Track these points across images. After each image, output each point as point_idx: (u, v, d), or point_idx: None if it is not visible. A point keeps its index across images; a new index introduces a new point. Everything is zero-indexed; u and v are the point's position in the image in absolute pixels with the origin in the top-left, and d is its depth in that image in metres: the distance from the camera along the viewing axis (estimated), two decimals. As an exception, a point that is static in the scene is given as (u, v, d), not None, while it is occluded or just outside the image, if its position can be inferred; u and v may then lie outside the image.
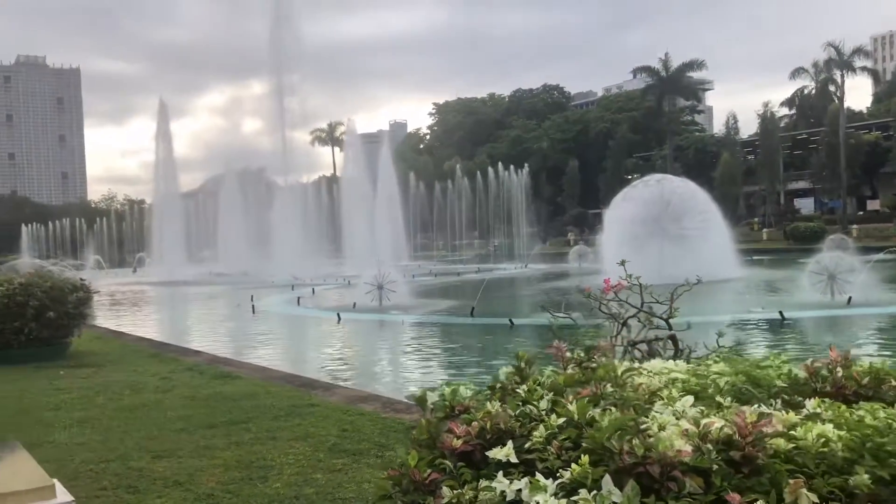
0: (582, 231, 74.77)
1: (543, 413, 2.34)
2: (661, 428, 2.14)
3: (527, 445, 2.20)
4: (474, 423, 2.33)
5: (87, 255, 77.55)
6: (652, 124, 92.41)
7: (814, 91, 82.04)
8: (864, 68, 75.27)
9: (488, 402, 2.54)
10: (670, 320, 5.23)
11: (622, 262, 5.58)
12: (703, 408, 2.27)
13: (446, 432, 2.27)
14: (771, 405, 2.48)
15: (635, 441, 1.97)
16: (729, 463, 1.92)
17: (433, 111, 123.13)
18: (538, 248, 60.05)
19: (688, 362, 3.16)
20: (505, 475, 2.10)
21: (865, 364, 2.78)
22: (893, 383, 2.64)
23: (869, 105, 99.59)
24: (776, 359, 2.88)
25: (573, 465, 1.94)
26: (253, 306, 24.28)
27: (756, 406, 2.30)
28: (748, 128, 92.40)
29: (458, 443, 2.21)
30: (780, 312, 16.12)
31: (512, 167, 68.35)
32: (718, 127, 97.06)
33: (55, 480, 2.63)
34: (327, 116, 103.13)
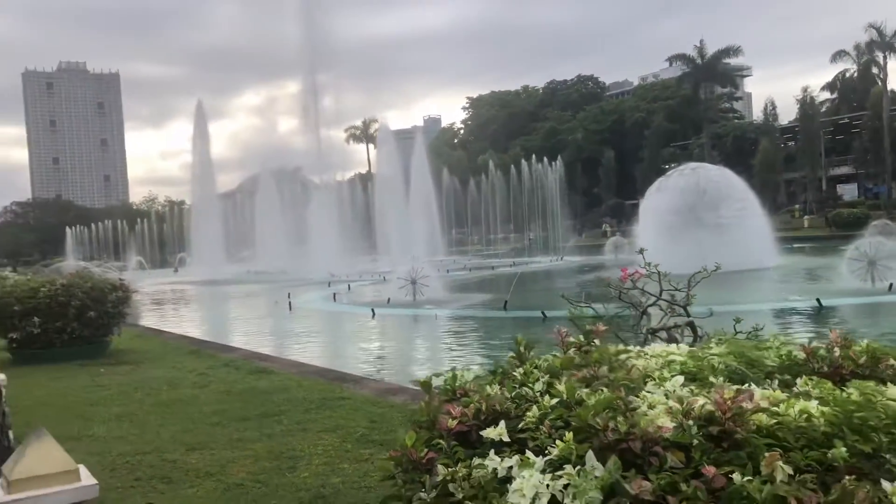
0: (619, 222, 74.22)
1: (538, 395, 2.42)
2: (651, 407, 2.21)
3: (520, 425, 2.28)
4: (471, 405, 2.42)
5: (129, 257, 79.16)
6: (688, 113, 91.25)
7: (856, 74, 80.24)
8: (907, 49, 73.46)
9: (488, 386, 2.63)
10: (688, 307, 5.24)
11: (641, 251, 5.62)
12: (692, 387, 2.32)
13: (443, 414, 2.36)
14: (767, 385, 2.54)
15: (619, 419, 2.04)
16: (710, 438, 1.98)
17: (467, 105, 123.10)
18: (573, 240, 59.83)
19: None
20: (498, 454, 2.18)
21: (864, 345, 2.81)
22: (890, 362, 2.67)
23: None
24: (776, 340, 2.93)
25: (558, 442, 2.02)
26: (290, 303, 24.60)
27: (746, 385, 2.35)
28: (790, 113, 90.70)
29: (453, 423, 2.31)
30: (818, 300, 15.90)
31: (545, 159, 68.07)
32: (758, 114, 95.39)
33: (80, 466, 2.77)
34: (362, 114, 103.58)
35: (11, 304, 12.63)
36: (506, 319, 18.15)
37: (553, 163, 67.56)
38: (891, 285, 18.05)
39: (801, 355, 2.75)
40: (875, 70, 75.40)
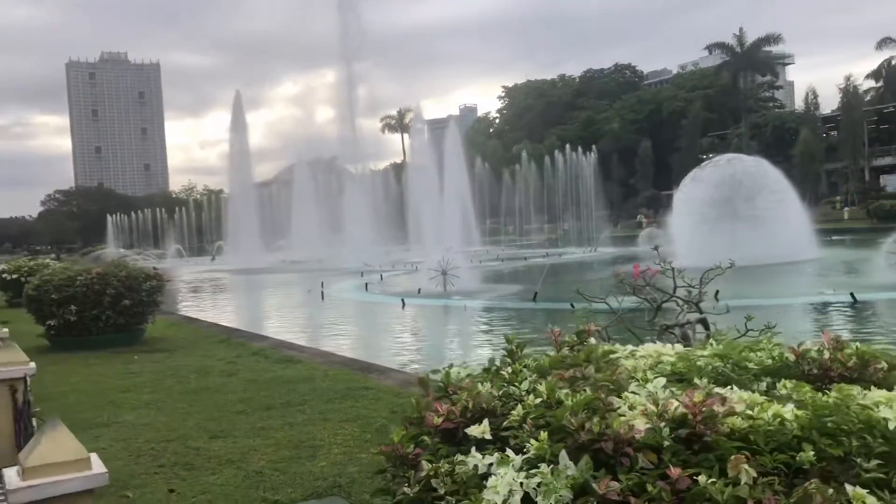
0: (655, 213, 73.48)
1: (524, 394, 2.48)
2: (632, 408, 2.26)
3: (504, 424, 2.35)
4: (459, 403, 2.49)
5: (168, 245, 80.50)
6: (727, 102, 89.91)
7: (901, 62, 78.40)
8: (955, 36, 71.51)
9: (479, 384, 2.70)
10: (700, 304, 5.24)
11: (656, 248, 5.63)
12: (674, 389, 2.37)
13: (430, 411, 2.44)
14: (755, 387, 2.58)
15: (594, 419, 2.10)
16: (681, 440, 2.03)
17: (502, 94, 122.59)
18: (607, 231, 59.43)
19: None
20: (483, 451, 2.26)
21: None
22: (879, 366, 2.69)
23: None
24: (768, 342, 2.95)
25: (533, 441, 2.08)
26: (322, 292, 24.86)
27: (729, 387, 2.40)
28: (834, 102, 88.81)
29: (438, 420, 2.38)
30: (852, 294, 15.66)
31: (580, 149, 67.60)
32: (801, 103, 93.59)
33: (92, 454, 2.90)
34: (398, 103, 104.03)
35: (49, 292, 12.99)
36: (535, 311, 18.17)
37: (587, 152, 67.09)
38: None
39: (792, 357, 2.78)
40: (922, 58, 73.53)
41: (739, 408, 2.17)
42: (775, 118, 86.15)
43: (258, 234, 60.95)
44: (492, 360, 2.91)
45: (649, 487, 1.87)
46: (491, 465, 2.16)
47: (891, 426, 2.03)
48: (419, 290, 22.92)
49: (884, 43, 76.06)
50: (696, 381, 2.51)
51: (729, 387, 2.39)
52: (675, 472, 1.87)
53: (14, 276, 22.62)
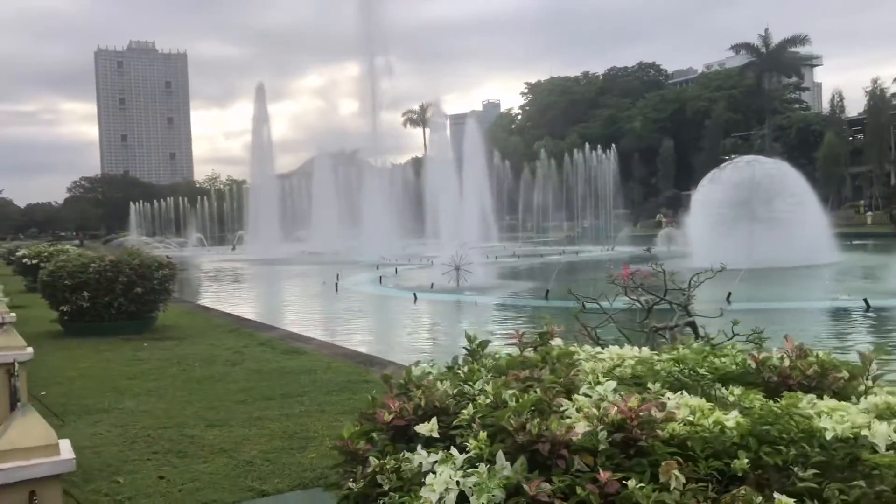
0: (676, 213, 73.04)
1: (477, 393, 2.51)
2: (579, 410, 2.29)
3: (454, 422, 2.38)
4: (413, 400, 2.53)
5: (189, 233, 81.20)
6: (752, 102, 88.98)
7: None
8: None
9: (439, 382, 2.74)
10: (689, 307, 5.24)
11: (648, 249, 5.62)
12: (623, 392, 2.39)
13: (381, 408, 2.47)
14: (714, 393, 2.59)
15: (535, 421, 2.12)
16: (618, 444, 2.05)
17: (525, 91, 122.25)
18: (627, 230, 59.14)
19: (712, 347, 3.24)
20: (431, 449, 2.29)
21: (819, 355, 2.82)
22: (839, 375, 2.69)
23: None
24: (732, 348, 2.96)
25: (472, 441, 2.11)
26: (336, 285, 24.98)
27: (680, 393, 2.41)
28: (862, 105, 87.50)
29: (389, 417, 2.42)
30: (865, 300, 15.49)
31: (599, 147, 67.28)
32: (828, 105, 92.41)
33: (63, 441, 2.96)
34: (422, 98, 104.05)
35: (63, 279, 13.18)
36: (546, 309, 18.13)
37: (607, 151, 66.77)
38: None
39: (754, 364, 2.78)
40: (952, 61, 72.30)
41: (683, 413, 2.18)
42: (800, 120, 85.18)
43: (278, 224, 61.41)
44: (455, 359, 2.94)
45: (579, 490, 1.89)
46: (435, 463, 2.19)
47: (828, 436, 2.04)
48: (432, 284, 22.96)
49: (914, 46, 74.89)
50: (650, 385, 2.52)
51: (680, 392, 2.40)
52: (604, 475, 1.89)
53: (34, 262, 22.96)
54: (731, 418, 2.13)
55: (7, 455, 2.76)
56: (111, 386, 8.76)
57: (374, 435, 2.39)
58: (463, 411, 2.39)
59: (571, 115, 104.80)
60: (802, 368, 2.68)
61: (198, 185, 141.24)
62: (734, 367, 2.82)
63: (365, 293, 23.97)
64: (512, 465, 2.03)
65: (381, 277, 27.53)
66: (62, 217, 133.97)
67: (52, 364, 10.56)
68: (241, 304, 22.31)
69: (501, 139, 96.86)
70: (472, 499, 1.98)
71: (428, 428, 2.33)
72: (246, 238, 68.91)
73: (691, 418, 2.14)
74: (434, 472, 2.13)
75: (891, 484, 1.88)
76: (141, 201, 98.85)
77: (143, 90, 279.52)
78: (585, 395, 2.40)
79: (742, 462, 1.97)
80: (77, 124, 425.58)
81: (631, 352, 2.96)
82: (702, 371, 2.58)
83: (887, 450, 2.07)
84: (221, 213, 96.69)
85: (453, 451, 2.18)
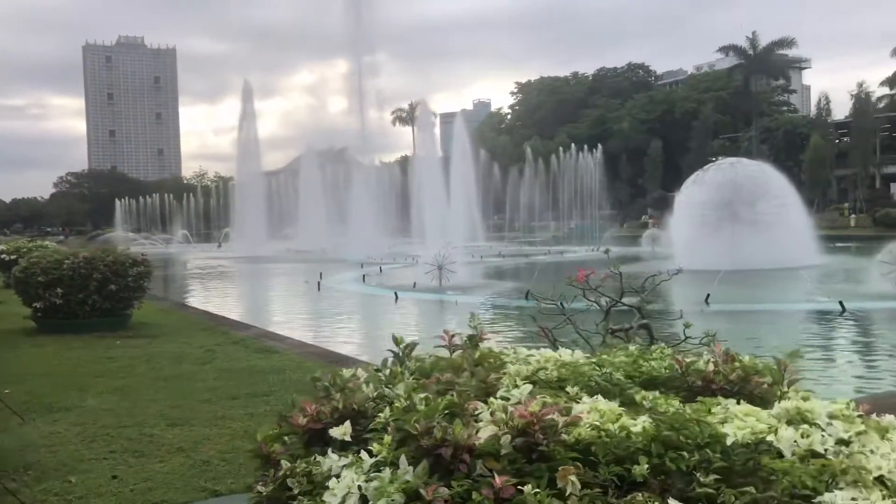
0: (663, 214, 73.28)
1: (397, 396, 2.50)
2: (493, 414, 2.28)
3: (370, 426, 2.37)
4: (333, 403, 2.51)
5: (175, 230, 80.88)
6: (739, 105, 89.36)
7: (917, 70, 77.70)
8: (971, 45, 70.81)
9: (364, 385, 2.72)
10: (642, 310, 5.25)
11: (607, 251, 5.63)
12: (544, 396, 2.38)
13: (297, 410, 2.46)
14: (638, 397, 2.59)
15: (441, 425, 2.11)
16: (520, 449, 2.05)
17: (515, 90, 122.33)
18: (612, 230, 59.31)
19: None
20: (344, 452, 2.28)
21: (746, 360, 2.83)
22: (761, 380, 2.70)
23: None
24: (660, 352, 2.96)
25: (375, 445, 2.11)
26: (319, 283, 24.93)
27: (594, 397, 2.41)
28: (848, 108, 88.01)
29: (303, 420, 2.41)
30: (840, 303, 15.58)
31: (586, 147, 67.42)
32: (816, 107, 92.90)
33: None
34: (412, 96, 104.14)
35: (36, 275, 13.08)
36: (526, 308, 18.14)
37: (593, 151, 66.91)
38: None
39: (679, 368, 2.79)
40: (938, 66, 72.91)
41: (592, 418, 2.18)
42: (787, 122, 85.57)
43: (265, 222, 61.21)
44: (384, 361, 2.93)
45: (475, 495, 1.89)
46: (343, 467, 2.18)
47: (728, 441, 2.04)
48: (414, 283, 22.96)
49: (899, 50, 75.41)
50: (569, 388, 2.52)
51: (595, 396, 2.40)
52: (499, 480, 1.89)
53: (12, 257, 22.78)
54: (638, 423, 2.13)
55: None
56: (78, 384, 8.69)
57: (286, 439, 2.38)
58: (380, 415, 2.38)
59: (560, 114, 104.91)
60: (726, 373, 2.69)
61: (185, 182, 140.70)
62: (663, 371, 2.83)
63: (347, 292, 23.95)
64: (415, 469, 2.02)
65: (364, 276, 27.50)
66: (48, 212, 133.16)
67: (22, 361, 10.51)
68: (220, 302, 22.25)
69: (490, 138, 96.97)
70: (370, 503, 1.97)
71: (341, 431, 2.32)
72: (232, 235, 68.70)
73: (598, 423, 2.13)
74: (338, 477, 2.12)
75: (783, 489, 1.88)
76: (127, 197, 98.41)
77: (132, 85, 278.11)
78: (503, 398, 2.40)
79: (642, 468, 1.97)
80: (65, 119, 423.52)
81: (556, 354, 2.96)
82: (618, 375, 2.58)
83: (793, 455, 2.08)
84: (208, 209, 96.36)
85: (363, 454, 2.18)
